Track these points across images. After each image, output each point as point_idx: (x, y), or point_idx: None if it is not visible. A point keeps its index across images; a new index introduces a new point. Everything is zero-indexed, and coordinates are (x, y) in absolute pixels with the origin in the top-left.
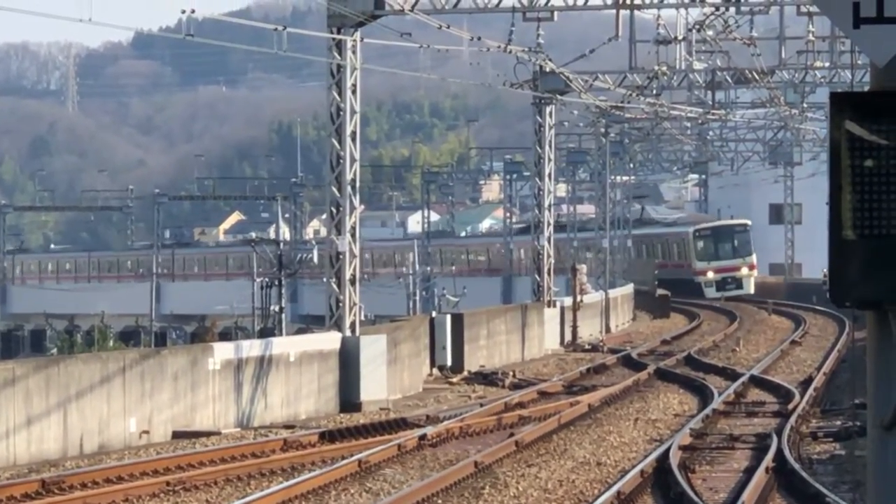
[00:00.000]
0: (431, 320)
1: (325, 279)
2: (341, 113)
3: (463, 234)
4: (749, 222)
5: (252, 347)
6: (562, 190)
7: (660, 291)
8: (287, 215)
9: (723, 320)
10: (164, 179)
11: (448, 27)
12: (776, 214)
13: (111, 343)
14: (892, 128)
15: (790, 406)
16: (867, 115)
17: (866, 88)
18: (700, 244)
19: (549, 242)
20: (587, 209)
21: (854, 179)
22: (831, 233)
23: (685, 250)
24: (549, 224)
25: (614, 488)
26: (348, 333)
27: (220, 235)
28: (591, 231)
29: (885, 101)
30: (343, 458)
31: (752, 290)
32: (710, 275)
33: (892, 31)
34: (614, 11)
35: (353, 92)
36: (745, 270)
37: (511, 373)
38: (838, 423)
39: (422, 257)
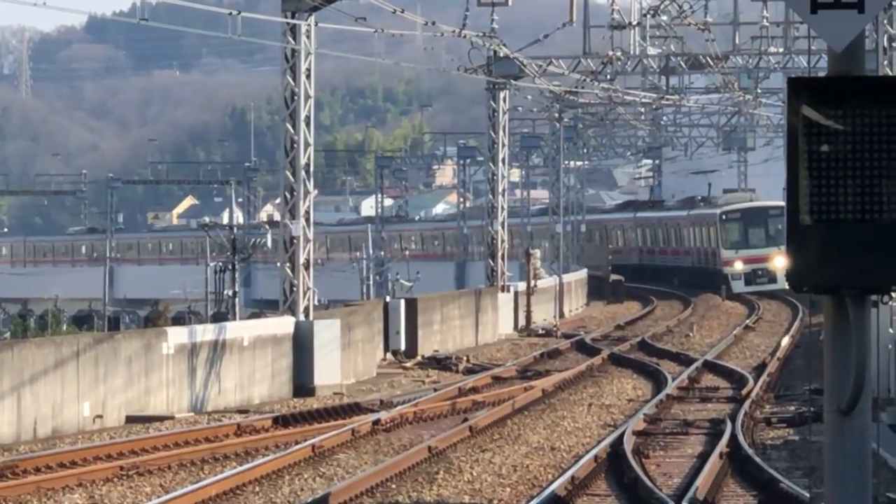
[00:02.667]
0: (385, 305)
1: (278, 263)
2: (295, 97)
3: (416, 217)
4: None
5: (206, 332)
6: (515, 175)
7: (613, 276)
8: (240, 200)
9: (676, 306)
10: (117, 164)
11: (402, 11)
12: None
13: (64, 327)
14: (849, 113)
15: (744, 391)
16: (824, 100)
17: (822, 74)
18: (727, 229)
19: (502, 227)
20: (541, 194)
21: (811, 165)
22: (789, 218)
23: (712, 236)
24: (503, 209)
25: (568, 473)
26: (302, 318)
27: (174, 220)
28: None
29: (843, 86)
30: (296, 442)
31: (787, 285)
32: (738, 265)
33: (849, 16)
34: None
35: (308, 77)
36: (779, 261)
37: (465, 358)
38: (792, 408)
39: (375, 242)
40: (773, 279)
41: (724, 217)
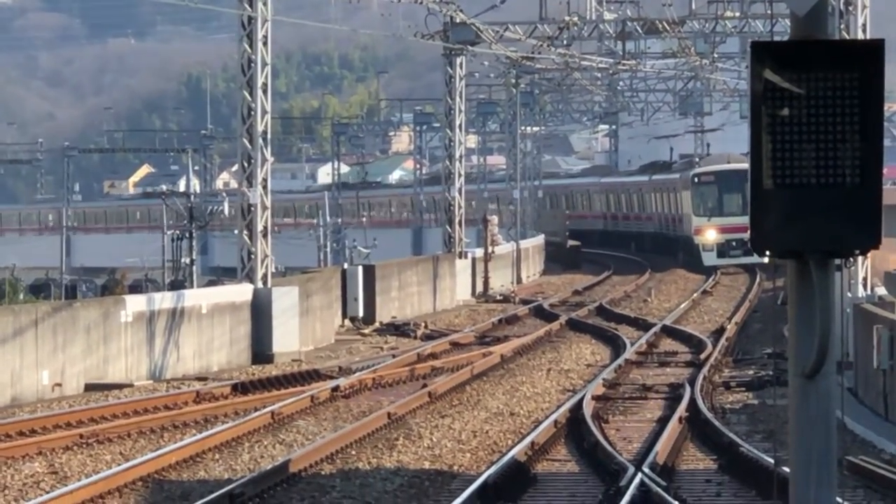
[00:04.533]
0: (343, 272)
1: (236, 231)
2: (252, 65)
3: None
4: None
5: (164, 300)
6: (472, 141)
7: (571, 242)
8: (197, 168)
9: (634, 271)
10: (73, 132)
11: None
12: None
13: (21, 296)
14: (813, 77)
15: (702, 356)
16: (787, 64)
17: (780, 38)
18: (699, 193)
19: (459, 193)
20: (498, 160)
21: (773, 129)
22: (752, 183)
23: (684, 201)
24: (460, 175)
25: (528, 439)
26: (260, 285)
27: (130, 188)
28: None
29: (806, 50)
30: (256, 409)
31: (765, 258)
32: (710, 235)
33: None
34: None
35: (264, 44)
36: None
37: (423, 324)
38: (751, 372)
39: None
40: (749, 251)
41: (696, 180)
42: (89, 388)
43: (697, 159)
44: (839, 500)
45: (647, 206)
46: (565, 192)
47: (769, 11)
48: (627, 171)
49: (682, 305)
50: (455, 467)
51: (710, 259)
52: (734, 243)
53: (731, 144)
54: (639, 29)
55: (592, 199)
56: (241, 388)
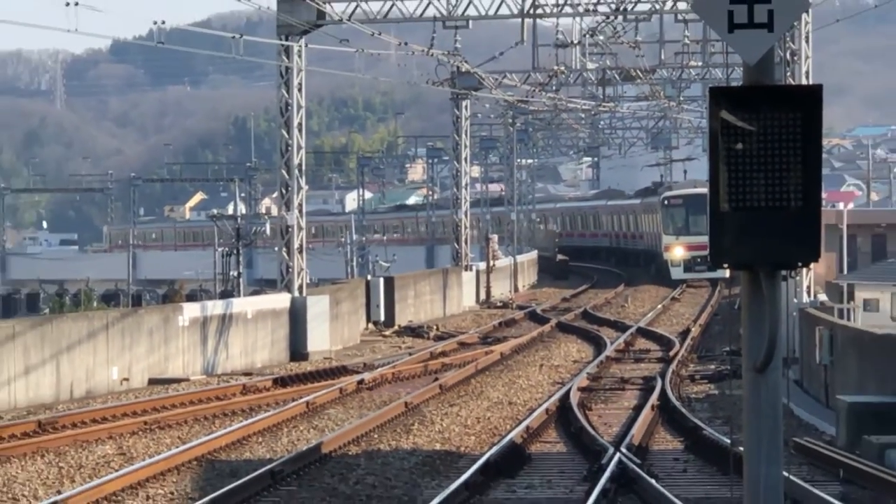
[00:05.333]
0: (367, 283)
1: (276, 248)
2: (289, 108)
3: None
4: None
5: (215, 307)
6: (476, 171)
7: (559, 256)
8: (243, 194)
9: (613, 281)
10: (138, 165)
11: (379, 34)
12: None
13: (95, 304)
14: (761, 116)
15: (671, 353)
16: (740, 106)
17: (736, 83)
18: (669, 214)
19: (465, 216)
20: (498, 187)
21: (729, 160)
22: (711, 206)
23: (658, 221)
24: (465, 200)
25: (524, 424)
26: (297, 294)
27: (187, 212)
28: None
29: (756, 94)
30: (293, 400)
31: (727, 273)
32: (678, 252)
33: (761, 34)
34: (520, 20)
35: (299, 90)
36: None
37: (435, 326)
38: (712, 367)
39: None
40: (712, 266)
41: (665, 203)
42: (152, 381)
43: (673, 185)
44: (786, 474)
45: (640, 226)
46: (580, 213)
47: (727, 61)
48: (630, 194)
49: (655, 310)
50: (462, 448)
51: (677, 273)
52: (699, 259)
53: (696, 175)
54: (617, 76)
55: (601, 220)
56: (280, 382)
